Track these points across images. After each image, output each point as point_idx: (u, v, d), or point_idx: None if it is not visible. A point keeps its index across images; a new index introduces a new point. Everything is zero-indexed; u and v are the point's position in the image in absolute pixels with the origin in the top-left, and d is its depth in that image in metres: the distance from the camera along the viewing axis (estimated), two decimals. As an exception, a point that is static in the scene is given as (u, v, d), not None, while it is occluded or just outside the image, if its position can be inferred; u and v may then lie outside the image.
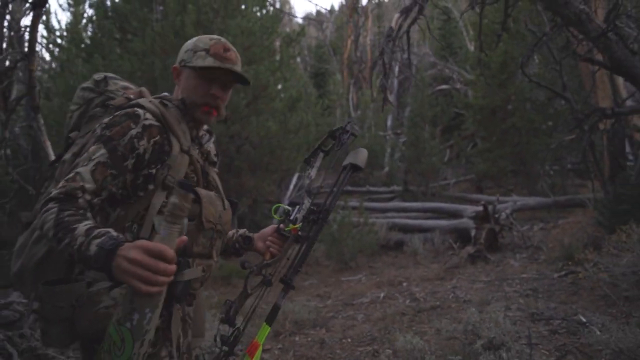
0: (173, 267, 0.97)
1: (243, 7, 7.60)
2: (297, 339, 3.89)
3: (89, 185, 1.12)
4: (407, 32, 4.07)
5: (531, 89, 9.59)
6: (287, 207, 1.48)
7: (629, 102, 6.42)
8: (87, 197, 1.12)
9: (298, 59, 15.66)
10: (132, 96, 1.34)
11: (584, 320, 3.25)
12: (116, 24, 7.21)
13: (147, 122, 1.21)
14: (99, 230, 1.02)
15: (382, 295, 4.91)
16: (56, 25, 17.05)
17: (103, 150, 1.16)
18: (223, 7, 6.95)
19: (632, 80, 3.72)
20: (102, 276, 1.10)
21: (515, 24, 8.74)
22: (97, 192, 1.14)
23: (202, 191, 1.27)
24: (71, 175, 1.13)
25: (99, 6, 7.39)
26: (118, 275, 0.96)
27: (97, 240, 0.99)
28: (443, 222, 7.73)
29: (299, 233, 1.40)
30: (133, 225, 1.21)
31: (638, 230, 3.86)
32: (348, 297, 5.14)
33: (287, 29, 15.16)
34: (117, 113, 1.23)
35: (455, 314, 3.81)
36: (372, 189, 12.35)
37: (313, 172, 1.50)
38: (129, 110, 1.22)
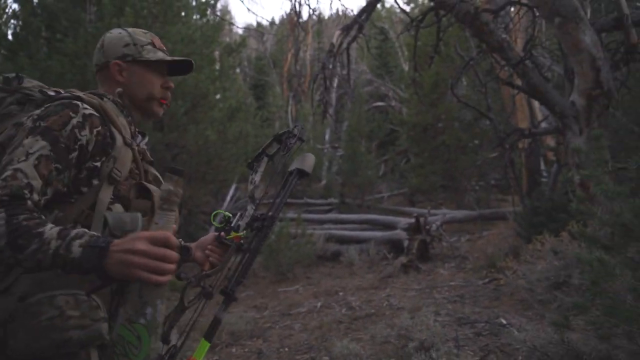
0: (177, 255, 0.95)
1: (183, 14, 7.49)
2: (233, 350, 3.85)
3: (35, 183, 1.00)
4: (347, 49, 4.25)
5: (459, 109, 10.22)
6: (227, 213, 1.39)
7: (543, 124, 7.07)
8: (35, 197, 1.00)
9: (238, 70, 15.58)
10: (61, 90, 1.22)
11: (504, 322, 3.51)
12: (44, 22, 6.82)
13: (87, 112, 1.11)
14: (75, 231, 0.96)
15: (319, 304, 4.98)
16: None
17: (43, 142, 1.03)
18: (162, 13, 6.81)
19: (546, 104, 4.14)
20: (35, 287, 1.00)
21: (446, 47, 9.34)
22: (44, 190, 1.02)
23: (151, 187, 1.19)
24: (9, 173, 0.98)
25: (25, 1, 6.95)
26: (119, 271, 0.92)
27: (80, 241, 0.93)
28: (378, 234, 7.97)
29: (242, 241, 1.31)
30: (76, 226, 1.08)
31: (551, 240, 4.26)
32: (285, 307, 5.16)
33: (228, 39, 15.08)
34: (49, 104, 1.11)
35: (389, 320, 3.96)
36: (309, 200, 12.49)
37: (257, 177, 1.42)
38: (64, 100, 1.11)
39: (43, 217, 1.00)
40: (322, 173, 14.69)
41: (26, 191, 0.98)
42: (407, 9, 21.57)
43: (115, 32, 1.30)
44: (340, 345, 3.11)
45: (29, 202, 0.99)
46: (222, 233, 1.36)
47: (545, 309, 3.67)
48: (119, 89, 1.25)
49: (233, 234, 1.34)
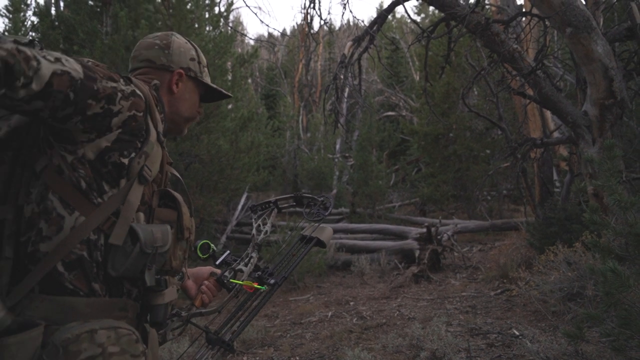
0: None
1: (196, 25, 7.63)
2: (245, 358, 3.86)
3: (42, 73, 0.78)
4: (359, 59, 4.29)
5: (471, 119, 10.21)
6: (212, 246, 1.31)
7: (556, 134, 7.03)
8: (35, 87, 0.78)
9: (250, 80, 15.76)
10: None
11: (517, 333, 3.48)
12: (62, 34, 7.00)
13: (136, 91, 0.99)
14: None
15: (330, 314, 4.98)
16: (-8, 32, 16.13)
17: (78, 67, 0.86)
18: (177, 25, 6.94)
19: (558, 114, 4.12)
20: (60, 314, 0.88)
21: (457, 57, 9.37)
22: (43, 96, 0.80)
23: (176, 194, 1.08)
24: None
25: (44, 15, 7.15)
26: None
27: None
28: (389, 243, 7.95)
29: (257, 288, 1.25)
30: (99, 239, 0.95)
31: (564, 251, 4.22)
32: (296, 316, 5.16)
33: (240, 50, 15.27)
34: None
35: (400, 330, 3.95)
36: (320, 210, 12.48)
37: (268, 228, 1.39)
38: (114, 74, 0.97)
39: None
40: (333, 183, 14.71)
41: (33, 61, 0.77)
42: (418, 19, 21.68)
43: (182, 40, 1.24)
44: (351, 354, 3.10)
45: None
46: (226, 273, 1.28)
47: (558, 321, 3.63)
48: (176, 103, 1.20)
49: (246, 282, 1.27)
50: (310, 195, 1.44)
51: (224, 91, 1.30)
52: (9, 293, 0.88)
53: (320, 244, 1.41)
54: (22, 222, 0.92)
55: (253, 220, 1.40)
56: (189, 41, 1.25)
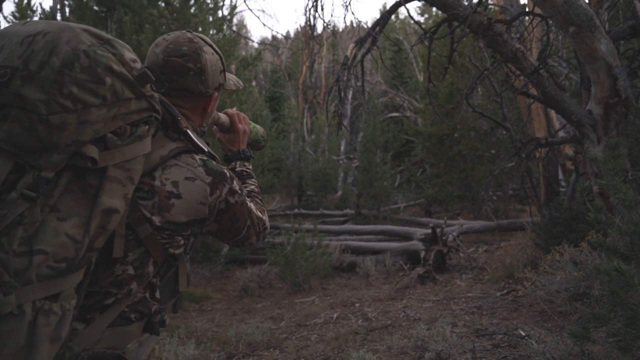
0: None
1: (200, 29, 7.67)
2: (250, 360, 3.87)
3: None
4: (362, 61, 4.29)
5: (475, 119, 10.18)
6: None
7: (561, 133, 7.00)
8: None
9: (254, 83, 15.80)
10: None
11: (523, 334, 3.46)
12: (68, 39, 7.06)
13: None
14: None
15: (335, 315, 4.97)
16: None
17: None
18: (180, 29, 6.94)
19: (562, 113, 4.11)
20: (117, 341, 0.97)
21: (460, 57, 9.35)
22: None
23: None
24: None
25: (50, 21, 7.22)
26: None
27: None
28: (394, 244, 7.94)
29: None
30: (157, 280, 1.06)
31: (570, 251, 4.19)
32: (301, 318, 5.16)
33: (243, 53, 15.33)
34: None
35: (405, 331, 3.94)
36: (325, 212, 12.51)
37: None
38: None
39: None
40: (337, 184, 14.72)
41: None
42: (421, 19, 21.66)
43: (210, 51, 1.12)
44: (356, 356, 3.10)
45: None
46: None
47: (565, 321, 3.61)
48: (204, 127, 1.19)
49: None
50: None
51: (238, 85, 1.31)
52: (78, 335, 0.93)
53: None
54: (104, 276, 0.95)
55: None
56: (211, 46, 1.14)
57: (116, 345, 0.96)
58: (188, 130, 1.02)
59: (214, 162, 1.06)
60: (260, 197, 1.29)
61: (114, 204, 0.87)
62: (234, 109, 1.41)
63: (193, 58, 1.09)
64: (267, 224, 1.23)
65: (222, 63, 1.17)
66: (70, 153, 0.84)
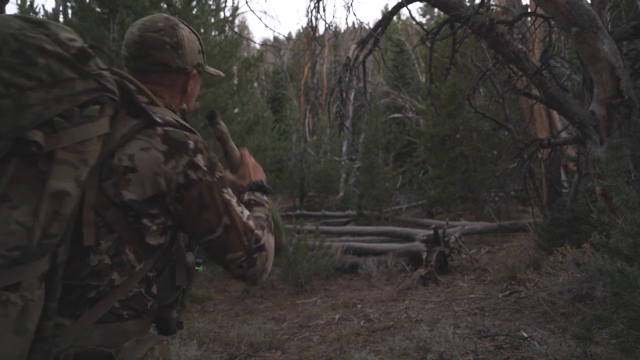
0: None
1: (202, 30, 7.68)
2: (252, 361, 3.86)
3: None
4: (363, 62, 4.29)
5: (477, 120, 10.17)
6: None
7: (563, 134, 6.99)
8: None
9: (255, 84, 15.83)
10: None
11: (525, 335, 3.45)
12: (70, 41, 7.08)
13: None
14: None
15: (337, 317, 4.97)
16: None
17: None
18: (183, 30, 7.00)
19: (564, 114, 4.10)
20: (114, 338, 0.94)
21: (462, 58, 9.34)
22: None
23: None
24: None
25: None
26: None
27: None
28: (396, 246, 7.93)
29: None
30: (154, 275, 1.03)
31: (573, 252, 4.18)
32: (303, 319, 5.16)
33: (245, 54, 15.35)
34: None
35: (407, 332, 3.93)
36: (327, 213, 12.51)
37: None
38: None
39: None
40: (339, 185, 14.72)
41: None
42: (423, 20, 21.67)
43: (187, 30, 1.12)
44: (358, 357, 3.10)
45: None
46: None
47: (567, 322, 3.60)
48: (183, 105, 1.14)
49: None
50: None
51: (218, 72, 1.26)
52: (65, 331, 0.91)
53: None
54: (80, 267, 0.92)
55: None
56: (188, 26, 1.15)
57: (109, 343, 0.93)
58: (143, 105, 0.96)
59: (181, 132, 0.97)
60: (269, 222, 1.13)
61: (64, 186, 0.84)
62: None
63: (169, 32, 1.08)
64: (268, 248, 1.05)
65: (201, 44, 1.16)
66: (12, 139, 0.83)
